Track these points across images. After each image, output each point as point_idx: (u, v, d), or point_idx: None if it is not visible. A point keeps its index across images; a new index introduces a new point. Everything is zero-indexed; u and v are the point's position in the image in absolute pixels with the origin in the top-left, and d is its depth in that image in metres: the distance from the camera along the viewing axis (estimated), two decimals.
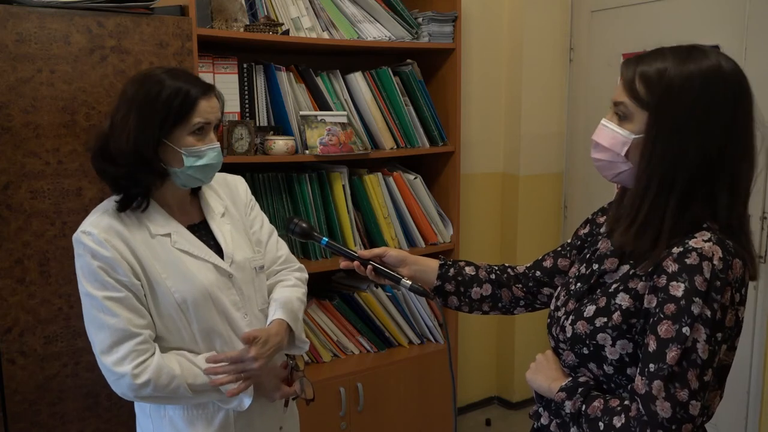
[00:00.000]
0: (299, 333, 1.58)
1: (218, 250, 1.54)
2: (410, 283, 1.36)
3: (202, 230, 1.55)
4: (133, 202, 1.45)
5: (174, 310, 1.44)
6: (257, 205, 1.71)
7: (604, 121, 1.15)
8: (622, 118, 1.12)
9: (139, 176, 1.43)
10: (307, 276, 1.73)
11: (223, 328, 1.50)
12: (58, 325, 1.86)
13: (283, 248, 1.71)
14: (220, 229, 1.56)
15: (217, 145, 1.49)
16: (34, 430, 1.85)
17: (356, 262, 1.42)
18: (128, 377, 1.37)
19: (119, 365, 1.38)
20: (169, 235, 1.47)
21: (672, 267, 1.03)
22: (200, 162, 1.45)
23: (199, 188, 1.59)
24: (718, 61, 1.06)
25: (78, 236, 1.41)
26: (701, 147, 1.05)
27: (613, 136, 1.12)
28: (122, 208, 1.45)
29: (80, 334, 1.89)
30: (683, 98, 1.05)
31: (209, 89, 1.48)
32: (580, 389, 1.12)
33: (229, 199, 1.63)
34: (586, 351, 1.14)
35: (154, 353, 1.41)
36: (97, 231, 1.40)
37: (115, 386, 1.41)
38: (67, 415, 1.89)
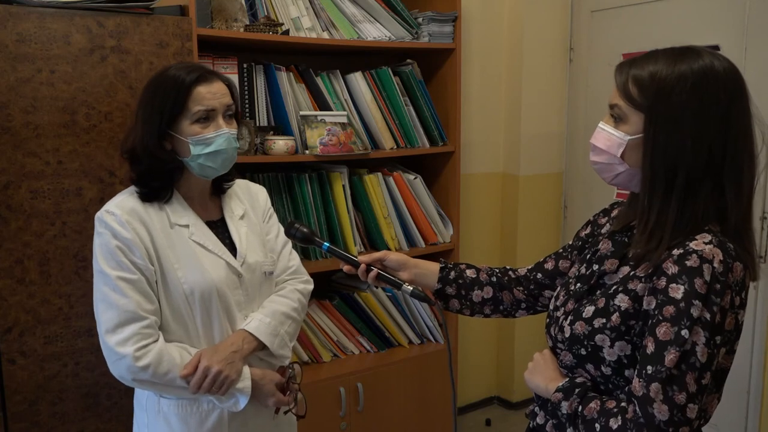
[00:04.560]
0: (275, 348, 1.55)
1: (233, 250, 1.55)
2: (411, 288, 1.35)
3: (220, 227, 1.57)
4: (156, 194, 1.49)
5: (181, 301, 1.46)
6: (275, 215, 1.72)
7: (601, 124, 1.16)
8: (618, 120, 1.13)
9: (157, 169, 1.47)
10: (311, 288, 1.72)
11: (224, 326, 1.52)
12: (58, 325, 1.86)
13: (295, 259, 1.71)
14: (237, 229, 1.58)
15: (226, 131, 1.47)
16: (34, 430, 1.85)
17: (359, 268, 1.41)
18: (129, 358, 1.38)
19: (122, 346, 1.38)
20: (187, 226, 1.50)
21: (672, 269, 1.03)
22: (208, 149, 1.46)
23: (222, 188, 1.61)
24: (711, 61, 1.07)
25: (101, 215, 1.45)
26: (699, 146, 1.05)
27: (609, 138, 1.13)
28: (145, 199, 1.48)
29: (80, 334, 1.89)
30: (676, 98, 1.05)
31: (208, 75, 1.47)
32: (577, 390, 1.12)
33: (249, 205, 1.66)
34: (584, 352, 1.14)
35: (157, 339, 1.42)
36: (121, 212, 1.44)
37: (113, 367, 1.42)
38: (67, 415, 1.89)
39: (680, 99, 1.05)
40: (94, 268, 1.44)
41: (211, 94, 1.45)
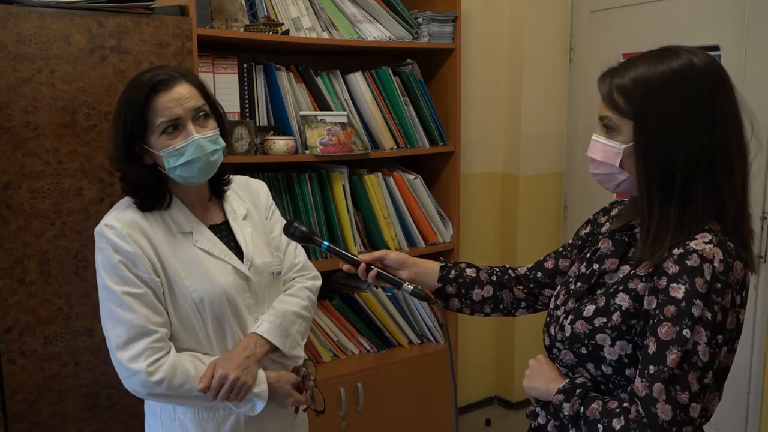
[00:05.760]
0: (287, 350, 1.54)
1: (238, 252, 1.52)
2: (412, 287, 1.33)
3: (224, 231, 1.54)
4: (154, 203, 1.44)
5: (191, 309, 1.43)
6: (277, 211, 1.68)
7: (594, 136, 1.17)
8: (610, 131, 1.14)
9: (144, 183, 1.43)
10: (319, 284, 1.69)
11: (236, 331, 1.49)
12: (58, 325, 1.86)
13: (301, 255, 1.68)
14: (241, 230, 1.55)
15: (196, 137, 1.39)
16: (34, 430, 1.85)
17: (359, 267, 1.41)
18: (142, 374, 1.35)
19: (134, 362, 1.36)
20: (191, 233, 1.47)
21: (672, 268, 1.04)
22: (182, 160, 1.39)
23: (220, 191, 1.57)
24: (690, 58, 1.07)
25: (101, 229, 1.40)
26: (689, 143, 1.06)
27: (604, 149, 1.14)
28: (144, 208, 1.44)
29: (80, 334, 1.89)
30: (661, 99, 1.06)
31: (167, 81, 1.39)
32: (578, 391, 1.12)
33: (251, 203, 1.62)
34: (584, 351, 1.14)
35: (169, 352, 1.39)
36: (121, 225, 1.39)
37: (127, 383, 1.39)
38: (67, 415, 1.89)
39: (664, 100, 1.06)
40: (99, 285, 1.41)
41: (172, 102, 1.37)
